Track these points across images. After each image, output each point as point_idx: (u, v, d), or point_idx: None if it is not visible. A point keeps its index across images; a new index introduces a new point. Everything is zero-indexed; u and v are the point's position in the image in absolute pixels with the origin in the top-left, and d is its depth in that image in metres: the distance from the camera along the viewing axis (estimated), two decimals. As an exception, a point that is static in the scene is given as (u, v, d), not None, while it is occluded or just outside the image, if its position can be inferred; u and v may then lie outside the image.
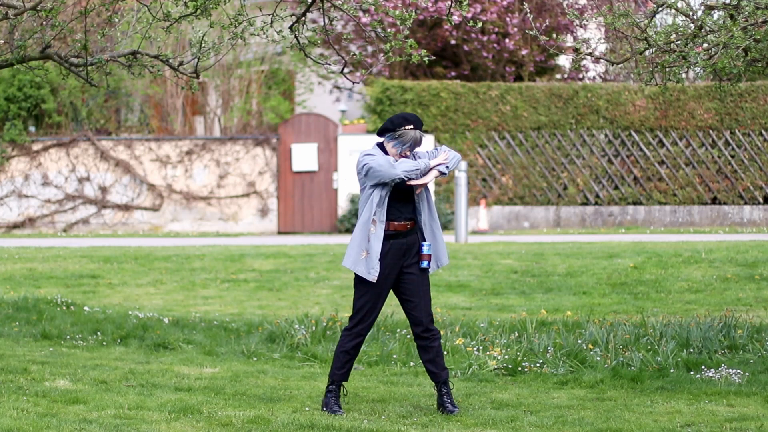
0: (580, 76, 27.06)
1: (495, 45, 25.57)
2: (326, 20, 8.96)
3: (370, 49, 25.60)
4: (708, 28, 9.05)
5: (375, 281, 7.68)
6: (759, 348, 9.87)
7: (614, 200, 23.94)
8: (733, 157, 23.93)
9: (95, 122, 25.44)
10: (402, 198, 7.81)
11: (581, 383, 9.00)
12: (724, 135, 23.91)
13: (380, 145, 7.87)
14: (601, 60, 17.10)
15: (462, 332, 10.65)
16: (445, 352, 9.96)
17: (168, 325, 11.77)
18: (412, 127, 7.72)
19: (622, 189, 23.86)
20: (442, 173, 7.74)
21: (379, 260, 7.71)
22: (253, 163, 23.83)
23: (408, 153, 7.77)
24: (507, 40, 25.45)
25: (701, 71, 9.71)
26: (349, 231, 22.97)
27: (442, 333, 10.43)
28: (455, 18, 20.50)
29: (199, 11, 8.81)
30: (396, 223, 7.78)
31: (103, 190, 23.87)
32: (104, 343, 11.10)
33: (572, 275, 14.13)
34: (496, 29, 25.46)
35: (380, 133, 7.84)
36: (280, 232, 23.78)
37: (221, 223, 23.93)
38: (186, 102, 26.57)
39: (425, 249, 7.80)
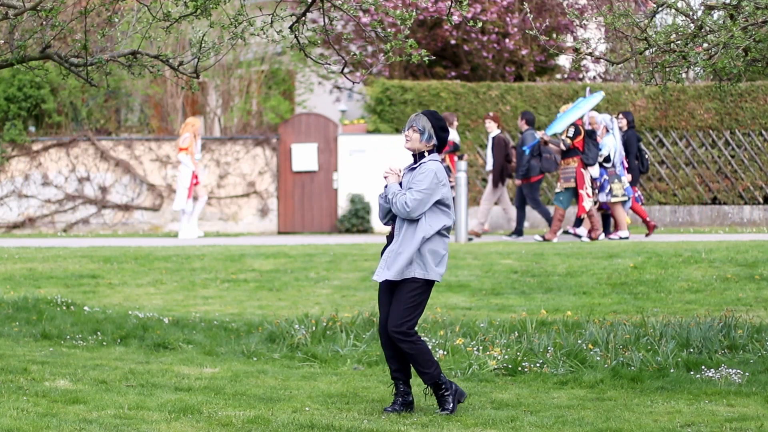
0: (580, 76, 27.04)
1: (495, 45, 25.55)
2: (326, 20, 8.97)
3: (370, 49, 25.59)
4: (708, 28, 9.05)
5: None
6: (759, 348, 9.87)
7: (614, 200, 23.90)
8: (733, 157, 23.92)
9: (95, 122, 25.41)
10: None
11: (581, 383, 9.00)
12: (724, 135, 23.91)
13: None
14: (601, 60, 17.12)
15: (462, 332, 10.66)
16: (445, 352, 9.97)
17: (168, 325, 11.77)
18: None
19: (622, 189, 23.83)
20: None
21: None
22: (253, 163, 23.82)
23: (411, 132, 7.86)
24: (507, 40, 25.43)
25: (701, 71, 9.71)
26: (349, 231, 22.96)
27: (441, 333, 10.46)
28: (455, 18, 20.50)
29: (199, 11, 8.81)
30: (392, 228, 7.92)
31: (103, 190, 23.85)
32: (104, 343, 11.10)
33: (572, 275, 14.13)
34: (496, 29, 25.45)
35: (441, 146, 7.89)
36: (280, 232, 23.77)
37: (221, 223, 23.91)
38: (186, 102, 26.55)
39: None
